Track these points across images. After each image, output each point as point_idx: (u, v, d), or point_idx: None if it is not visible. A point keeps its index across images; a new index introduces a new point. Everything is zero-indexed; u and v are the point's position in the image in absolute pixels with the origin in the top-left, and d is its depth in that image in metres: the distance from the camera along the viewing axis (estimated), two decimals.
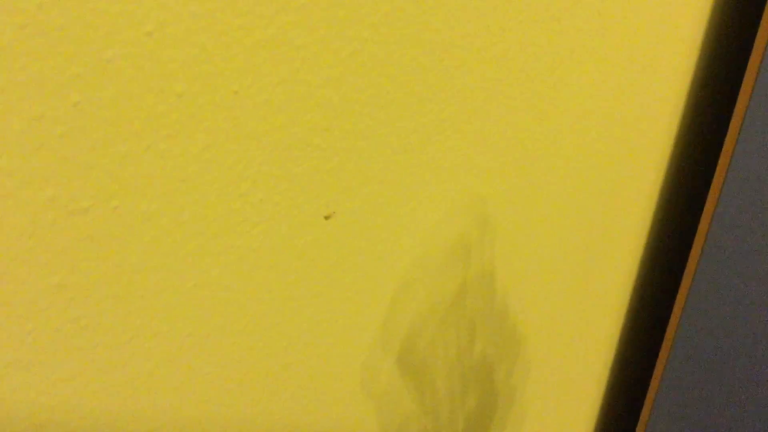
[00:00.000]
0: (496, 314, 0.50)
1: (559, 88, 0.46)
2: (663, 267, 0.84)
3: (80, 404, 0.26)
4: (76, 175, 0.23)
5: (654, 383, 0.83)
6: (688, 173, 0.78)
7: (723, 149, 0.70)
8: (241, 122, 0.27)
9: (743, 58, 0.73)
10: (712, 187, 0.71)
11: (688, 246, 0.78)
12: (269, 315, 0.32)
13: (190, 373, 0.29)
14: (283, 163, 0.30)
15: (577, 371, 0.73)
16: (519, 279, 0.52)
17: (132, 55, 0.23)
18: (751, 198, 0.69)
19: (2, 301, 0.22)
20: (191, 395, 0.30)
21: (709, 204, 0.71)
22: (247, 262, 0.30)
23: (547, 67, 0.44)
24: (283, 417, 0.35)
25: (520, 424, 0.62)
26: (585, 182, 0.56)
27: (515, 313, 0.53)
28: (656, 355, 0.84)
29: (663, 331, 0.87)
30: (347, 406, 0.39)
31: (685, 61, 0.65)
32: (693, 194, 0.80)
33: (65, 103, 0.22)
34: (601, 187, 0.59)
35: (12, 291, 0.22)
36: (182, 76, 0.24)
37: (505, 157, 0.45)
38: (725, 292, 0.73)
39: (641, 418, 0.84)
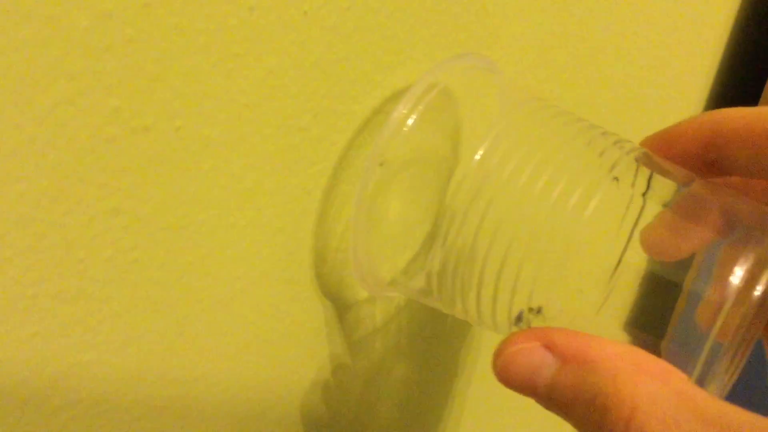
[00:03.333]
0: None
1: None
2: None
3: (125, 344, 0.24)
4: (141, 87, 0.20)
5: None
6: None
7: None
8: (307, 47, 0.25)
9: None
10: None
11: None
12: (317, 263, 0.30)
13: (239, 320, 0.27)
14: (344, 99, 0.28)
15: None
16: None
17: None
18: None
19: (54, 222, 0.20)
20: (238, 342, 0.28)
21: None
22: (300, 204, 0.28)
23: None
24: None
25: None
26: None
27: None
28: None
29: None
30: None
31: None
32: None
33: (136, 1, 0.19)
34: None
35: (65, 212, 0.20)
36: None
37: None
38: None
39: None
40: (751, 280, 0.20)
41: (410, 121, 0.26)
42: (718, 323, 0.20)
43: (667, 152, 0.25)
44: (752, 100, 0.69)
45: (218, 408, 0.28)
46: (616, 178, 0.24)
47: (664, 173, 0.24)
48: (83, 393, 0.23)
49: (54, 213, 0.20)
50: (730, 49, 0.67)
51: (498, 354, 0.22)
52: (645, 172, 0.24)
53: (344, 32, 0.26)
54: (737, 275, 0.20)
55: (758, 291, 0.20)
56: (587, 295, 0.23)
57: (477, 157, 0.24)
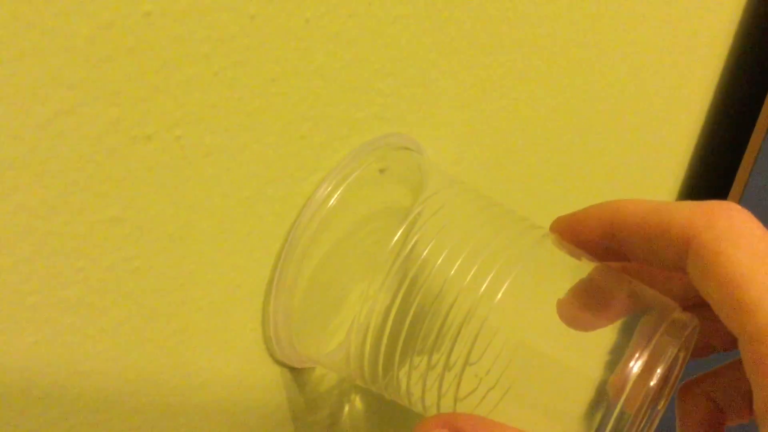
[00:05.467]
0: None
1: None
2: None
3: (126, 353, 0.24)
4: (142, 96, 0.20)
5: None
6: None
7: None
8: (309, 54, 0.25)
9: None
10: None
11: None
12: (322, 270, 0.30)
13: (239, 328, 0.27)
14: (345, 107, 0.28)
15: None
16: None
17: None
18: None
19: (54, 231, 0.20)
20: (240, 352, 0.28)
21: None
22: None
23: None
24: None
25: None
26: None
27: None
28: None
29: None
30: None
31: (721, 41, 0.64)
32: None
33: (137, 11, 0.19)
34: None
35: (66, 221, 0.20)
36: None
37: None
38: None
39: None
40: (647, 371, 0.22)
41: (332, 202, 0.27)
42: (621, 400, 0.22)
43: (573, 238, 0.26)
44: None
45: (218, 415, 0.28)
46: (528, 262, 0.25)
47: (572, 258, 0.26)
48: (83, 402, 0.23)
49: (54, 222, 0.20)
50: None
51: None
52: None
53: (346, 40, 0.26)
54: (637, 364, 0.22)
55: (653, 382, 0.22)
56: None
57: (401, 239, 0.25)
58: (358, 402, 0.35)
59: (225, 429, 0.29)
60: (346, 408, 0.34)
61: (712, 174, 0.75)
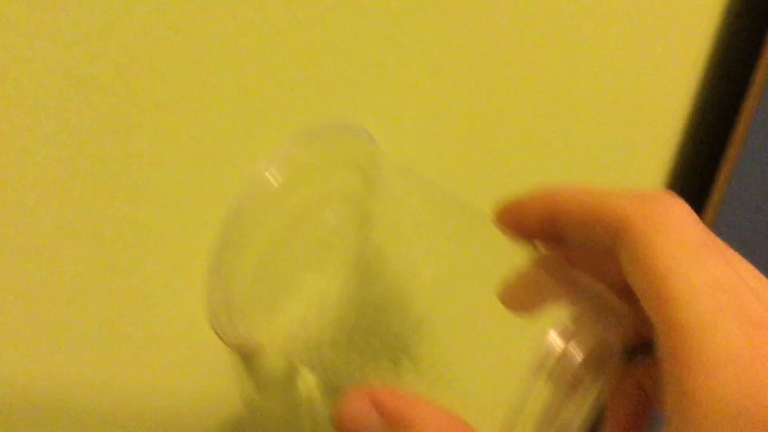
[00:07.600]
0: None
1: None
2: None
3: (86, 301, 0.25)
4: None
5: None
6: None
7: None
8: (256, 26, 0.26)
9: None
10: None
11: None
12: (272, 249, 0.31)
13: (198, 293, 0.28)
14: (299, 83, 0.29)
15: None
16: None
17: None
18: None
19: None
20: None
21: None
22: None
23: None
24: None
25: None
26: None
27: None
28: None
29: None
30: None
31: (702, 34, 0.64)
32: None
33: None
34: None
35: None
36: None
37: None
38: None
39: None
40: (577, 346, 0.22)
41: (275, 184, 0.27)
42: (542, 375, 0.22)
43: (514, 222, 0.27)
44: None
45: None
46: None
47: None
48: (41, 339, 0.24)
49: None
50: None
51: (334, 409, 0.24)
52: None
53: (298, 8, 0.27)
54: (558, 343, 0.23)
55: (580, 357, 0.22)
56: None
57: (351, 226, 0.26)
58: (312, 388, 0.35)
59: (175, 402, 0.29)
60: (300, 393, 0.34)
61: (696, 170, 0.74)
